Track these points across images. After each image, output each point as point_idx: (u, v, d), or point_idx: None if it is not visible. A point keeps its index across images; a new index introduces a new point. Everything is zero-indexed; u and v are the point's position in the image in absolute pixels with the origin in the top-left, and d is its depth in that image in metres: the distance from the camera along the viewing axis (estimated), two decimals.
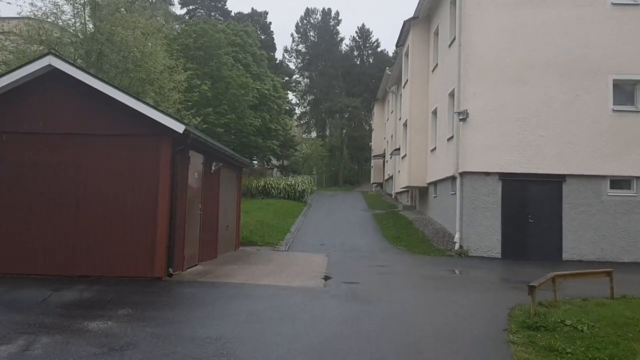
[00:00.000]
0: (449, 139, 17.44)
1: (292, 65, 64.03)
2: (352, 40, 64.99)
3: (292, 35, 78.00)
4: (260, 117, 30.61)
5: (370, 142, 48.88)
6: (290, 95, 56.93)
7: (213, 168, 12.01)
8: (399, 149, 26.12)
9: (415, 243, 16.77)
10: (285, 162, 47.35)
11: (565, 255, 15.11)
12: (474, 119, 15.52)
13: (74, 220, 9.27)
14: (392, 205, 27.93)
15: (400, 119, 27.80)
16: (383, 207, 27.18)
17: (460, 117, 15.61)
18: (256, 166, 46.86)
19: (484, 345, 5.85)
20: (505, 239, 15.24)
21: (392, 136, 33.04)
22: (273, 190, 28.99)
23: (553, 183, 15.34)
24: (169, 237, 9.16)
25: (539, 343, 5.70)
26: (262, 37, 47.21)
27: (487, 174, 15.45)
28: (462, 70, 15.90)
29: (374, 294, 8.39)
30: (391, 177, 33.94)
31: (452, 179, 17.03)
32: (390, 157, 33.22)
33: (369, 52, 64.97)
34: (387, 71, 34.51)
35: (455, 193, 16.64)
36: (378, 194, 36.27)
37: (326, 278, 10.03)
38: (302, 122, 63.45)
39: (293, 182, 29.66)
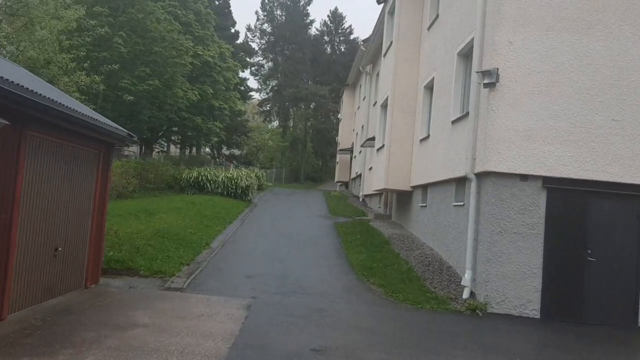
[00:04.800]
0: (455, 121, 11.32)
1: (255, 46, 56.95)
2: (323, 25, 58.69)
3: (256, 13, 71.36)
4: (198, 90, 23.77)
5: (337, 135, 42.66)
6: (248, 75, 50.01)
7: None
8: (373, 139, 19.93)
9: (398, 281, 10.52)
10: (237, 152, 40.49)
11: None
12: (508, 86, 9.39)
13: None
14: (360, 212, 21.72)
15: (375, 103, 21.75)
16: (349, 214, 20.93)
17: (486, 81, 9.42)
18: (203, 154, 40.00)
19: None
20: (549, 287, 9.17)
21: (362, 127, 26.98)
22: (209, 184, 22.41)
23: (629, 198, 9.37)
24: None
25: None
26: (216, 1, 40.03)
27: (525, 177, 9.34)
28: (490, 6, 9.77)
29: None
30: (359, 176, 27.84)
31: (459, 181, 10.94)
32: (360, 152, 27.11)
33: (341, 38, 58.88)
34: (362, 47, 28.24)
35: (463, 204, 10.54)
36: (343, 195, 30.02)
37: None
38: (262, 109, 56.49)
39: (235, 175, 23.04)
